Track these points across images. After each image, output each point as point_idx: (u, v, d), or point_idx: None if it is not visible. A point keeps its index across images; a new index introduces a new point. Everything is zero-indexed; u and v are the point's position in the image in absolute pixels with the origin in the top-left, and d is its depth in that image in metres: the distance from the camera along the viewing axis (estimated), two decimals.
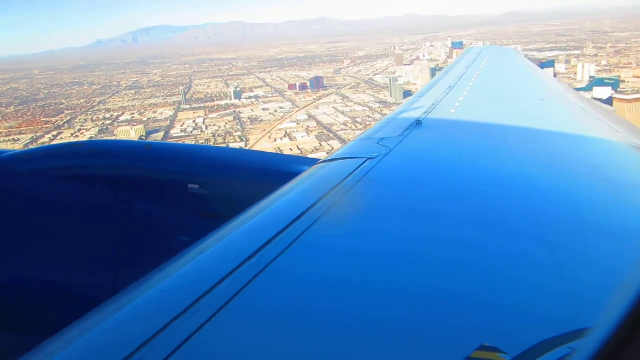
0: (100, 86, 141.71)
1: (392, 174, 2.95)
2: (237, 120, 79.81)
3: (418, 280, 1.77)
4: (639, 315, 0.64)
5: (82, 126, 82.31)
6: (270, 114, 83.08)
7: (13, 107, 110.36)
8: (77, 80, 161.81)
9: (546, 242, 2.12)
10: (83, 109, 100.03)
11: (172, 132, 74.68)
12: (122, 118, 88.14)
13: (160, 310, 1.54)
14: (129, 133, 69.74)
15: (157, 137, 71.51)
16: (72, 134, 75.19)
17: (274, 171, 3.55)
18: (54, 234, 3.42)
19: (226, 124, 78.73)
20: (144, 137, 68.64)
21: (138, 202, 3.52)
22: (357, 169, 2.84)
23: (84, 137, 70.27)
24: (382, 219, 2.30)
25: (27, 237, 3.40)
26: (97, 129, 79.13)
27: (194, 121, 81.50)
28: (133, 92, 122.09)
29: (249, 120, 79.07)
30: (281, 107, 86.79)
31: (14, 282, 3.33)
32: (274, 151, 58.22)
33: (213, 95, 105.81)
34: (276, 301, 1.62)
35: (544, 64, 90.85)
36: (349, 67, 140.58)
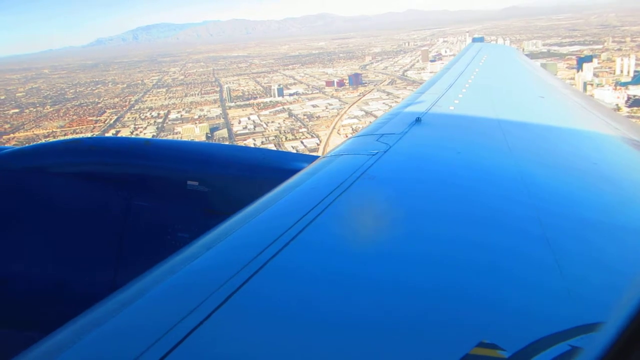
0: (125, 85, 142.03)
1: (391, 171, 2.96)
2: (293, 117, 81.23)
3: (417, 278, 1.77)
4: None
5: (135, 124, 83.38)
6: (322, 110, 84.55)
7: (49, 106, 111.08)
8: (96, 79, 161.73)
9: (545, 239, 2.12)
10: (124, 108, 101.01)
11: (234, 129, 76.00)
12: (172, 116, 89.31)
13: (172, 306, 1.53)
14: (194, 131, 71.11)
15: (221, 134, 72.93)
16: (130, 132, 76.32)
17: (274, 168, 3.57)
18: (53, 230, 3.41)
19: (283, 120, 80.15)
20: (209, 135, 70.18)
21: (137, 199, 3.53)
22: (356, 166, 2.88)
23: (144, 135, 71.55)
24: (381, 217, 2.33)
25: (27, 233, 3.38)
26: (153, 127, 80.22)
27: (248, 118, 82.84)
28: (164, 90, 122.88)
29: (305, 117, 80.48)
30: (329, 104, 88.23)
31: (12, 278, 3.32)
32: None
33: (251, 93, 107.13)
34: (284, 297, 1.62)
35: (582, 59, 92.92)
36: (371, 63, 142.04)
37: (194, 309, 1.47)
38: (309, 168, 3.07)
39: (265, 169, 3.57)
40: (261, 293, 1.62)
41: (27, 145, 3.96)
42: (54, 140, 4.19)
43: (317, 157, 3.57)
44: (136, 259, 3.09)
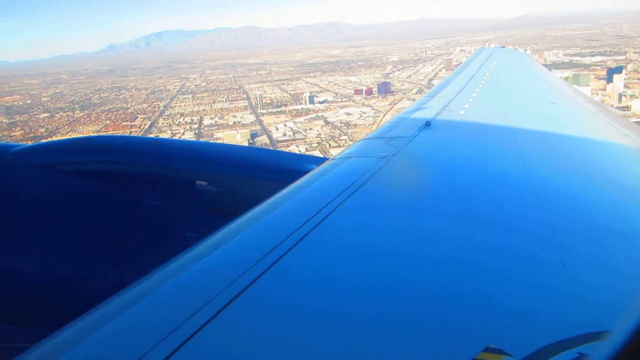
0: (148, 90, 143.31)
1: (400, 174, 2.96)
2: (330, 125, 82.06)
3: (425, 281, 1.76)
4: None
5: (172, 130, 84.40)
6: (357, 118, 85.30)
7: (78, 111, 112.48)
8: (118, 85, 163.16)
9: (554, 244, 2.12)
10: (154, 113, 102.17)
11: (273, 136, 76.90)
12: (205, 122, 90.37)
13: (178, 305, 1.53)
14: (235, 137, 72.17)
15: (261, 140, 73.84)
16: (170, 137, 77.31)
17: (283, 169, 3.57)
18: (61, 228, 3.43)
19: (321, 127, 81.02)
20: (250, 141, 71.15)
21: (146, 198, 3.52)
22: (365, 168, 2.86)
23: None
24: (389, 219, 2.32)
25: (35, 230, 3.39)
26: (190, 132, 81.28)
27: (284, 125, 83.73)
28: (189, 96, 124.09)
29: (342, 125, 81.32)
30: (363, 112, 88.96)
31: (20, 275, 3.34)
32: None
33: (279, 100, 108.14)
34: (292, 297, 1.62)
35: (613, 70, 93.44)
36: (393, 72, 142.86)
37: (200, 308, 1.46)
38: (318, 170, 3.08)
39: (274, 170, 3.60)
40: (268, 293, 1.61)
41: (37, 142, 3.90)
42: (64, 138, 4.25)
43: (326, 159, 3.59)
44: (144, 258, 3.12)
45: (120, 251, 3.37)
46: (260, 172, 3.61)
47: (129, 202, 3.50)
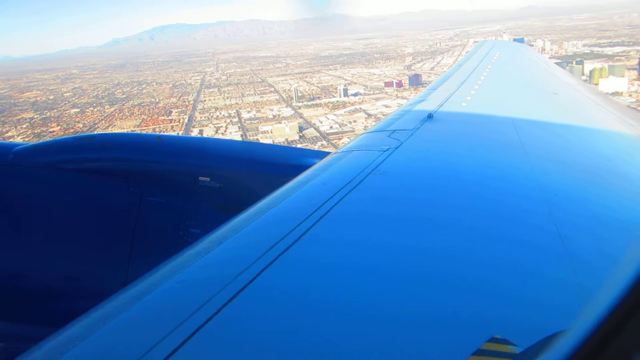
0: (170, 85, 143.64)
1: (402, 167, 2.94)
2: (373, 117, 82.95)
3: (430, 273, 1.78)
4: (624, 312, 0.61)
5: (214, 125, 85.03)
6: None
7: (108, 105, 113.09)
8: (135, 80, 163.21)
9: (558, 235, 2.11)
10: (186, 107, 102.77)
11: (321, 129, 77.73)
12: (244, 116, 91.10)
13: (182, 300, 1.54)
14: (284, 130, 73.09)
15: (310, 133, 74.61)
16: (215, 133, 78.11)
17: (285, 164, 3.59)
18: (66, 225, 3.47)
19: (365, 119, 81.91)
20: (299, 134, 72.04)
21: (150, 195, 3.56)
22: (368, 162, 2.87)
23: (230, 135, 73.44)
24: (392, 212, 2.33)
25: (40, 228, 3.42)
26: (234, 126, 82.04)
27: (326, 117, 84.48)
28: (215, 90, 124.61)
29: (384, 116, 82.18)
30: (400, 104, 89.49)
31: (27, 273, 3.40)
32: None
33: (309, 93, 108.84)
34: (295, 291, 1.63)
35: None
36: (414, 63, 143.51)
37: (205, 303, 1.47)
38: (320, 164, 3.08)
39: (276, 165, 3.64)
40: (272, 288, 1.62)
41: (40, 141, 3.99)
42: (68, 136, 4.26)
43: (328, 152, 3.59)
44: (148, 254, 3.18)
45: (125, 248, 3.42)
46: (263, 167, 3.64)
47: (132, 199, 3.55)
